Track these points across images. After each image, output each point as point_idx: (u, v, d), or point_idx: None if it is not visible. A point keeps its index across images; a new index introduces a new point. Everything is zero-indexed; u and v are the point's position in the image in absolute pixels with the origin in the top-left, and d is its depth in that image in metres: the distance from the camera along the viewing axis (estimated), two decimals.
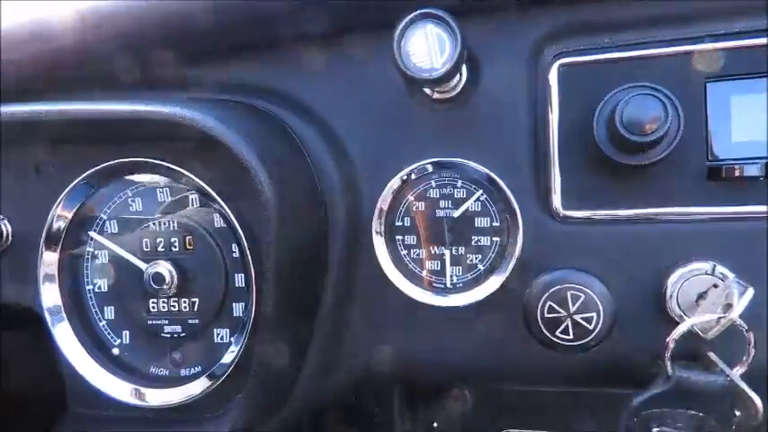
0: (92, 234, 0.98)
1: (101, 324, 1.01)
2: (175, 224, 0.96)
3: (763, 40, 0.76)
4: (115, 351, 1.00)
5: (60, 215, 0.96)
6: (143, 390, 0.94)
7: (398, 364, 0.92)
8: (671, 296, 0.79)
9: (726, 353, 0.75)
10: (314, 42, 0.88)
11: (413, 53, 0.71)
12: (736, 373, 0.73)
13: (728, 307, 0.73)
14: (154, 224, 0.97)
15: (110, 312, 1.01)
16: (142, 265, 0.95)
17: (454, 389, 1.17)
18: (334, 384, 0.96)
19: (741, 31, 0.77)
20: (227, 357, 0.92)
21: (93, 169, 0.92)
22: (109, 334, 1.01)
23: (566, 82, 0.83)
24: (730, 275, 0.76)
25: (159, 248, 0.96)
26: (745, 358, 0.73)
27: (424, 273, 0.90)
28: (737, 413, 0.70)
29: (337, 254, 0.88)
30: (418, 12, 0.70)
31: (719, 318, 0.72)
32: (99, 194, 0.98)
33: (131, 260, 0.96)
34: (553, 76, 0.83)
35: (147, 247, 0.97)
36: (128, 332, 1.01)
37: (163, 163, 0.91)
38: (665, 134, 0.72)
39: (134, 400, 0.94)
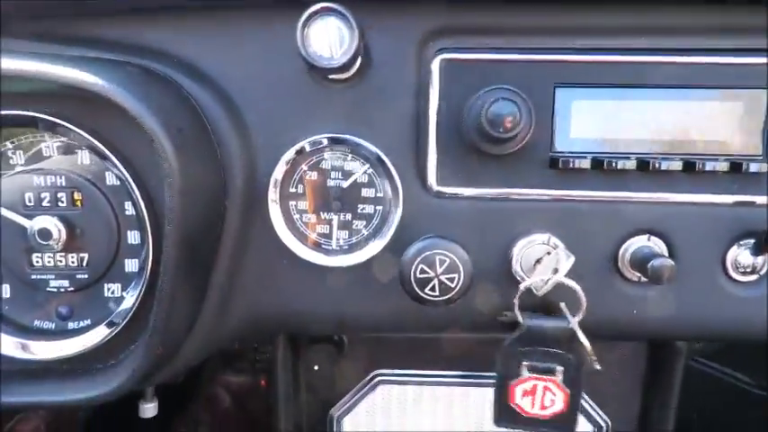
0: None
1: None
2: (63, 180, 0.96)
3: (604, 57, 0.94)
4: None
5: None
6: (28, 342, 0.95)
7: (286, 316, 1.02)
8: (516, 260, 0.98)
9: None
10: (219, 11, 0.90)
11: (314, 42, 0.79)
12: (577, 319, 0.93)
13: (556, 270, 0.93)
14: (38, 178, 0.95)
15: None
16: (25, 222, 0.93)
17: (334, 336, 1.31)
18: (222, 336, 1.04)
19: (586, 48, 0.94)
20: (126, 304, 0.95)
21: None
22: None
23: (446, 75, 0.94)
24: (560, 245, 0.96)
25: (44, 203, 0.95)
26: (579, 309, 0.93)
27: (314, 235, 1.00)
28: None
29: (234, 216, 0.95)
30: (321, 5, 0.77)
31: (548, 279, 0.92)
32: None
33: (10, 216, 0.94)
34: (435, 69, 0.94)
35: (29, 202, 0.95)
36: (8, 286, 0.99)
37: (50, 119, 0.89)
38: (519, 131, 0.87)
39: (20, 354, 0.94)
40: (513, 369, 0.96)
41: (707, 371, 1.56)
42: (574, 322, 0.92)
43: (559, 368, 0.95)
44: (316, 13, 0.78)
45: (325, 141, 0.95)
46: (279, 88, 0.93)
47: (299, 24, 0.78)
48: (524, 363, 0.95)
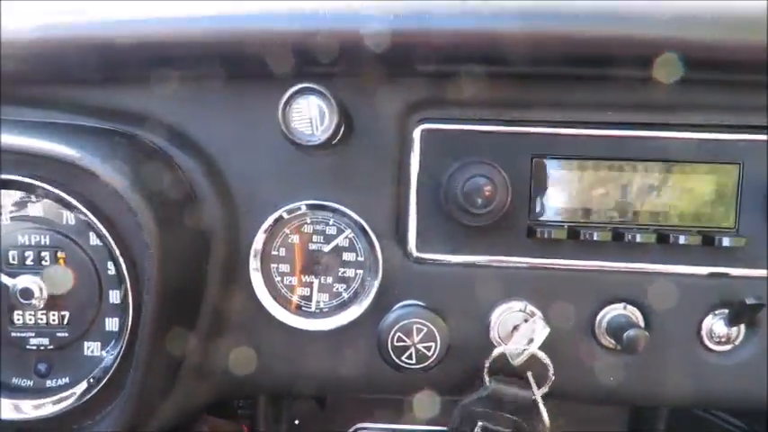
0: None
1: None
2: (47, 239, 0.97)
3: (581, 131, 0.97)
4: None
5: None
6: (20, 402, 0.94)
7: (265, 379, 1.03)
8: (493, 327, 0.99)
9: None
10: (207, 81, 0.93)
11: (296, 119, 0.81)
12: (541, 391, 0.94)
13: (531, 341, 0.94)
14: (22, 237, 0.96)
15: None
16: (8, 281, 0.94)
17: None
18: (200, 398, 1.04)
19: (563, 121, 0.97)
20: (106, 363, 0.95)
21: None
22: None
23: (427, 144, 0.97)
24: (537, 313, 0.97)
25: (27, 262, 0.96)
26: (548, 382, 0.95)
27: (295, 297, 1.01)
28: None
29: (214, 282, 0.96)
30: (301, 86, 0.80)
31: (523, 350, 0.93)
32: None
33: None
34: (416, 138, 0.97)
35: (13, 260, 0.96)
36: None
37: (32, 182, 0.91)
38: (495, 205, 0.89)
39: (13, 415, 0.94)
40: (468, 427, 0.97)
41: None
42: (538, 394, 0.93)
43: None
44: (297, 92, 0.80)
45: (303, 208, 0.97)
46: (262, 155, 0.95)
47: (281, 104, 0.80)
48: (480, 423, 0.96)
